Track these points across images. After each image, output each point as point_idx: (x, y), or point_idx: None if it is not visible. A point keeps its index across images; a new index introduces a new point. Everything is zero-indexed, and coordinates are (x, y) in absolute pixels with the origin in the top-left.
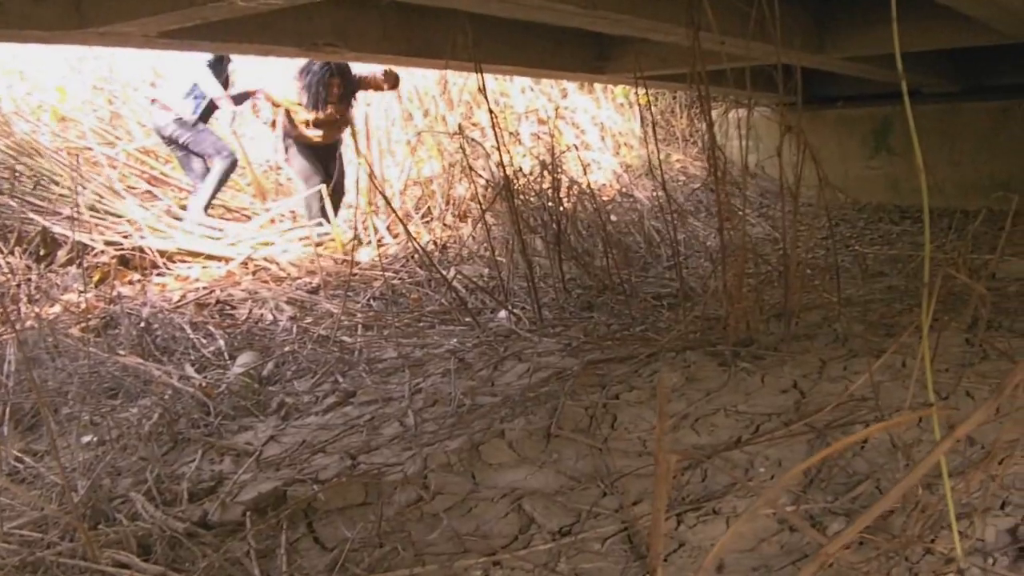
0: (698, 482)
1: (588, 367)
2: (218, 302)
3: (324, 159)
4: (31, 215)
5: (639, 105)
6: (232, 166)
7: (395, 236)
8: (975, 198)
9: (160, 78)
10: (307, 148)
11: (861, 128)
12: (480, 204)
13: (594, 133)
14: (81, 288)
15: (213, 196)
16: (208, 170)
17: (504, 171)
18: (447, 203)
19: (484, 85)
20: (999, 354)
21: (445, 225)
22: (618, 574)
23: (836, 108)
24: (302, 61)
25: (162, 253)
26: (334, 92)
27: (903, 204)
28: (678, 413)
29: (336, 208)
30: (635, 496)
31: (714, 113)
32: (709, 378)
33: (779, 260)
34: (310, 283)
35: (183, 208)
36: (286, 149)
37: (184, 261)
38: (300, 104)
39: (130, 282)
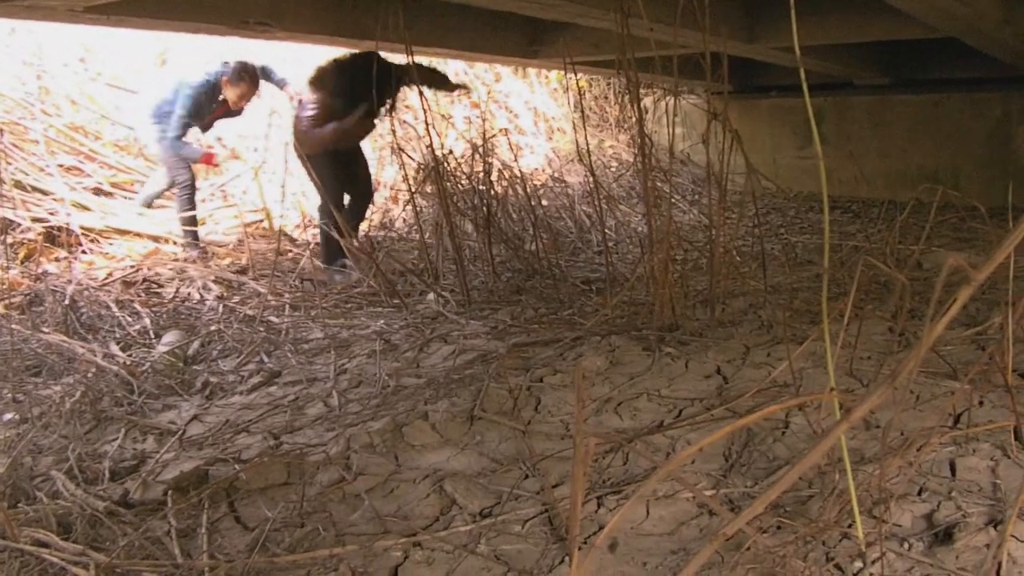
0: (620, 465)
1: (513, 350)
2: (145, 280)
3: (348, 163)
4: None
5: (572, 91)
6: (189, 188)
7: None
8: (904, 189)
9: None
10: (331, 155)
11: (793, 118)
12: (410, 187)
13: (527, 118)
14: (5, 264)
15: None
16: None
17: (434, 153)
18: (378, 185)
19: (414, 67)
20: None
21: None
22: (538, 556)
23: (770, 98)
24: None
25: (89, 230)
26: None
27: (834, 194)
28: (601, 397)
29: (363, 211)
30: (556, 478)
31: (648, 100)
32: (633, 362)
33: (705, 247)
34: (239, 263)
35: (114, 185)
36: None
37: (111, 239)
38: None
39: (56, 259)
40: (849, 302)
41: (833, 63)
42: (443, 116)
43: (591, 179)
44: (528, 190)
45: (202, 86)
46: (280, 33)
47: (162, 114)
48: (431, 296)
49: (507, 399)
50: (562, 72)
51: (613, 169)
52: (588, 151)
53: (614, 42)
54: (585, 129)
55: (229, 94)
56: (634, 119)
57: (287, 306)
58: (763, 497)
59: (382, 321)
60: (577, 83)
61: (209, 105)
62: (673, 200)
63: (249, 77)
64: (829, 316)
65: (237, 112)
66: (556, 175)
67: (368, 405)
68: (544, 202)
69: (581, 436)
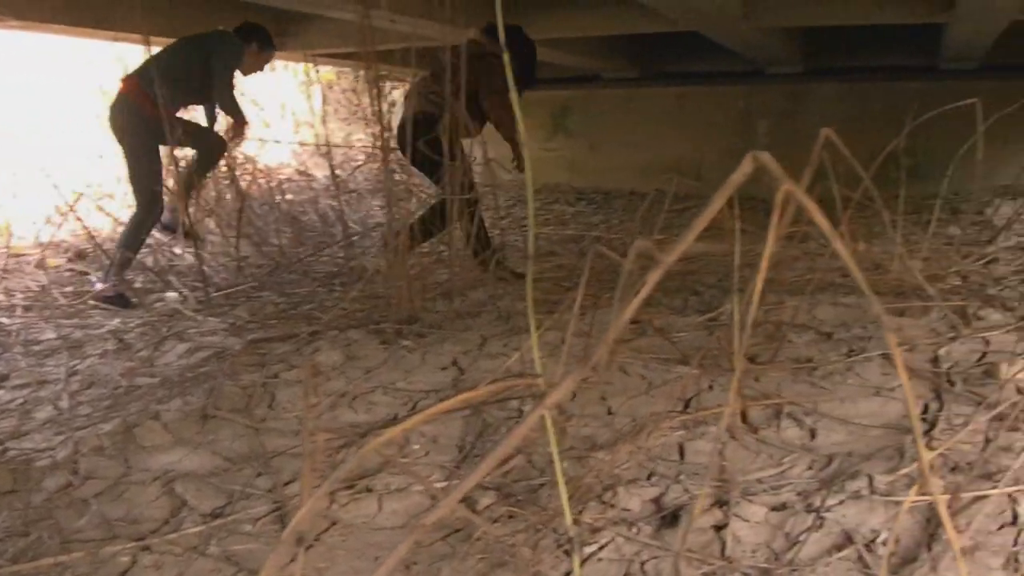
0: (362, 458)
1: (249, 346)
2: None
3: None
4: None
5: (318, 83)
6: None
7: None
8: (650, 180)
9: None
10: None
11: (540, 111)
12: None
13: (274, 110)
14: None
15: None
16: None
17: (172, 147)
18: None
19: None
20: (655, 330)
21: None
22: (269, 555)
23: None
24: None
25: None
26: None
27: (579, 185)
28: (337, 391)
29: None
30: (289, 475)
31: (397, 92)
32: (370, 356)
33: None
34: None
35: None
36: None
37: None
38: None
39: None
40: (580, 291)
41: (582, 56)
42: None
43: (338, 172)
44: (272, 184)
45: None
46: (12, 22)
47: None
48: (170, 293)
49: (241, 396)
50: (310, 64)
51: (361, 161)
52: (330, 144)
53: (358, 34)
54: (327, 123)
55: None
56: (378, 112)
57: (19, 307)
58: (456, 492)
59: (118, 320)
60: (317, 75)
61: None
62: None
63: None
64: (565, 305)
65: None
66: (302, 169)
67: (99, 407)
68: (289, 196)
69: (309, 432)
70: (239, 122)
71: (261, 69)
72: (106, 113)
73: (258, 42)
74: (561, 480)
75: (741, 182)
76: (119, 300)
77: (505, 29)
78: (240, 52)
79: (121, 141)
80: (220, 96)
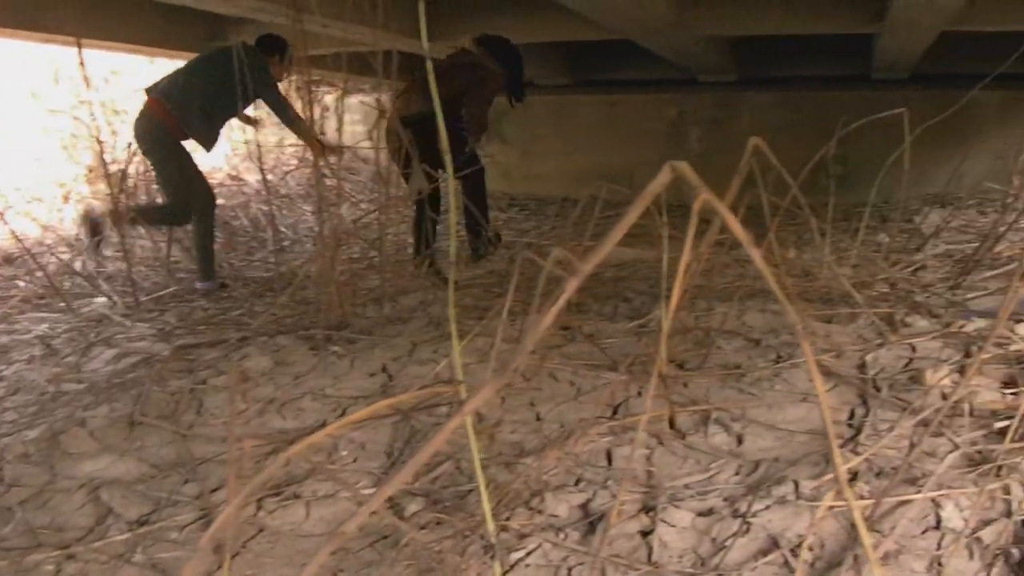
0: (280, 467)
1: (178, 352)
2: None
3: None
4: None
5: None
6: None
7: None
8: (584, 187)
9: None
10: None
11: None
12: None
13: None
14: None
15: None
16: None
17: (103, 152)
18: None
19: (83, 61)
20: (585, 337)
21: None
22: (186, 562)
23: None
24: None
25: None
26: None
27: (513, 192)
28: (265, 398)
29: None
30: (216, 482)
31: (330, 97)
32: (299, 362)
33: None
34: None
35: None
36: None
37: None
38: None
39: None
40: (509, 298)
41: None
42: (116, 111)
43: (271, 177)
44: None
45: None
46: None
47: None
48: (100, 299)
49: (169, 402)
50: None
51: (294, 166)
52: (260, 149)
53: (291, 38)
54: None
55: None
56: (320, 116)
57: None
58: (374, 500)
59: (45, 325)
60: None
61: None
62: (353, 198)
63: None
64: (495, 312)
65: None
66: (234, 173)
67: (25, 413)
68: (220, 201)
69: (233, 439)
70: (312, 142)
71: (282, 79)
72: (132, 125)
73: (280, 54)
74: (483, 486)
75: (659, 191)
76: (222, 287)
77: (498, 43)
78: (267, 65)
79: (147, 153)
80: (282, 116)
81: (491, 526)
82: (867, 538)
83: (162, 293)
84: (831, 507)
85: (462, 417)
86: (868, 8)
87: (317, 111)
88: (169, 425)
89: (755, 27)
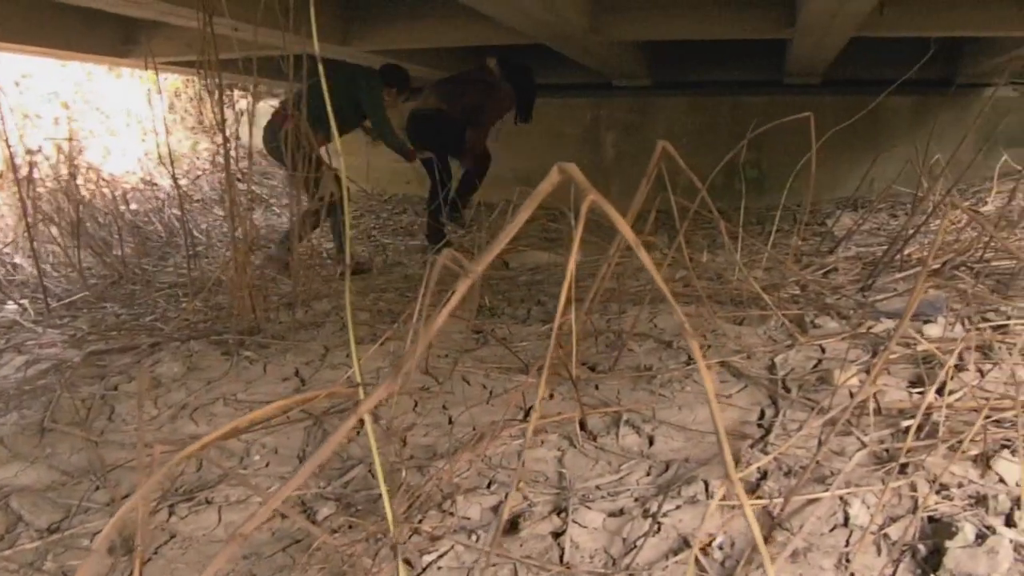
0: (193, 472)
1: (89, 358)
2: None
3: None
4: None
5: (165, 92)
6: None
7: None
8: (500, 191)
9: None
10: None
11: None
12: None
13: (120, 119)
14: None
15: None
16: None
17: (11, 155)
18: None
19: None
20: (497, 340)
21: None
22: (107, 569)
23: None
24: None
25: None
26: None
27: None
28: (177, 403)
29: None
30: (127, 489)
31: (243, 102)
32: (211, 367)
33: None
34: None
35: None
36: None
37: None
38: None
39: None
40: (420, 301)
41: (429, 68)
42: (26, 116)
43: (184, 182)
44: (116, 193)
45: None
46: None
47: None
48: (10, 305)
49: (80, 409)
50: (153, 72)
51: (208, 171)
52: (171, 154)
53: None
54: (173, 132)
55: None
56: (231, 121)
57: None
58: (272, 501)
59: None
60: (162, 84)
61: None
62: (269, 203)
63: None
64: (407, 315)
65: None
66: (147, 178)
67: None
68: (133, 206)
69: (142, 445)
70: (408, 157)
71: (391, 108)
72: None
73: (398, 87)
74: (384, 488)
75: (548, 192)
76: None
77: (519, 69)
78: (382, 92)
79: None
80: (386, 138)
81: (393, 529)
82: (760, 535)
83: (74, 298)
84: (731, 506)
85: (357, 418)
86: (779, 14)
87: (230, 115)
88: (80, 432)
89: (669, 33)
